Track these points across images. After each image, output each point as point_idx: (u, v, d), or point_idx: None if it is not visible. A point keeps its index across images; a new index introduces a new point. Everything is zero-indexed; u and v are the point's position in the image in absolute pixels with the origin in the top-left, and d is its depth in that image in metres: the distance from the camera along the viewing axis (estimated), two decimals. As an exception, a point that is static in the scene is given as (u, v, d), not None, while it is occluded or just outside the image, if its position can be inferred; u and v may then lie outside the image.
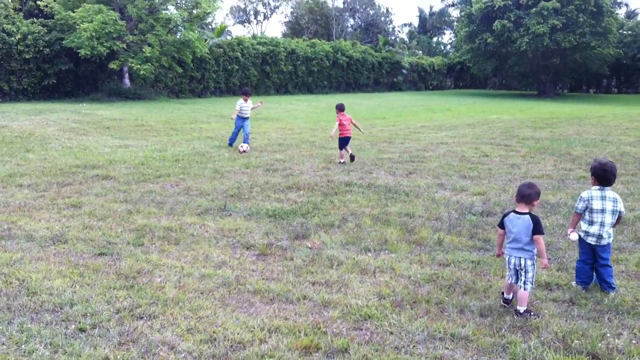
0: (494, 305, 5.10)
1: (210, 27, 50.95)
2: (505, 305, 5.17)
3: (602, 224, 5.52)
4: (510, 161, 13.37)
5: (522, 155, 14.30)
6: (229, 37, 45.18)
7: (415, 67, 59.17)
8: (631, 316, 4.93)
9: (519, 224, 5.12)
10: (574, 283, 5.66)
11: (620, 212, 5.58)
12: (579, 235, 5.67)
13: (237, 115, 15.51)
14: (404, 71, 56.21)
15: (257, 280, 5.68)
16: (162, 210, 8.49)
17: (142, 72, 30.76)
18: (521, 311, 4.97)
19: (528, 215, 5.12)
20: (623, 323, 4.80)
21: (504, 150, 15.21)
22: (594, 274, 5.66)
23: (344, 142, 13.24)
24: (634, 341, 4.47)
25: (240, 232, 7.36)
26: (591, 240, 5.56)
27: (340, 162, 12.93)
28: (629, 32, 60.78)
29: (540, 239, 5.06)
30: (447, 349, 4.34)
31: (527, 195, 5.16)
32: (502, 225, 5.32)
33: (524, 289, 5.04)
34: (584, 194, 5.64)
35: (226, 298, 5.26)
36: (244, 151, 14.22)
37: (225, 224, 7.75)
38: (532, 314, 4.98)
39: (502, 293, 5.31)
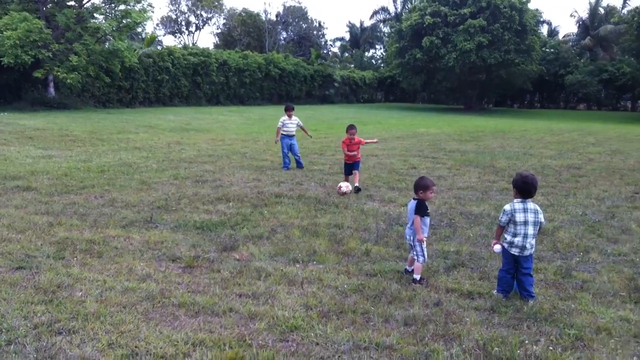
0: (418, 314, 5.17)
1: (140, 37, 50.18)
2: (407, 273, 6.30)
3: (525, 236, 5.68)
4: (437, 173, 13.67)
5: (449, 167, 14.65)
6: (159, 47, 44.59)
7: (346, 80, 59.93)
8: (548, 323, 5.09)
9: (410, 207, 6.31)
10: (495, 292, 5.80)
11: (541, 222, 5.78)
12: (503, 246, 5.83)
13: (282, 134, 14.11)
14: (335, 84, 56.84)
15: (182, 293, 5.57)
16: (85, 222, 8.24)
17: (68, 81, 29.97)
18: (416, 279, 6.09)
19: (416, 201, 6.20)
20: (541, 330, 4.95)
21: (431, 162, 15.55)
22: (515, 282, 5.82)
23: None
24: (550, 347, 4.61)
25: (166, 245, 7.22)
26: (515, 251, 5.72)
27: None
28: (551, 49, 63.49)
29: (416, 217, 6.15)
30: (372, 358, 4.37)
31: (414, 186, 6.38)
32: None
33: (418, 261, 6.16)
34: (507, 207, 5.79)
35: (150, 312, 5.13)
36: (345, 193, 10.68)
37: (150, 236, 7.59)
38: (423, 281, 6.08)
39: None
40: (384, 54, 76.21)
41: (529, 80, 55.21)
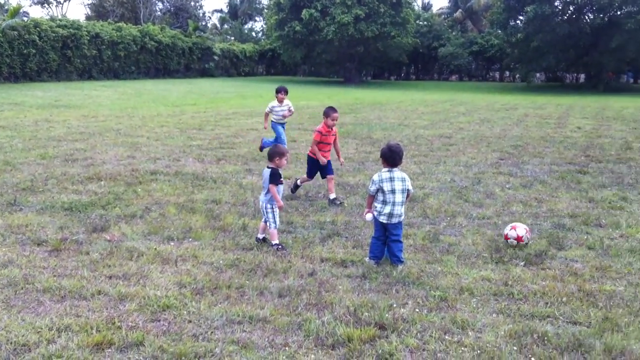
0: (292, 285, 5.24)
1: (3, 8, 46.83)
2: (258, 242, 6.51)
3: (393, 204, 5.87)
4: (316, 145, 13.79)
5: (327, 139, 14.82)
6: (24, 19, 41.76)
7: (226, 53, 58.99)
8: (416, 286, 5.32)
9: (265, 175, 6.49)
10: (367, 259, 5.98)
11: (409, 190, 5.99)
12: (373, 214, 6.01)
13: (272, 121, 12.11)
14: (215, 57, 55.80)
15: (47, 277, 5.31)
16: (-61, 208, 7.65)
17: None
18: (273, 243, 6.35)
19: (270, 170, 6.43)
20: (409, 293, 5.17)
21: (311, 135, 15.64)
22: (386, 249, 6.03)
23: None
24: (417, 309, 4.82)
25: (31, 228, 6.84)
26: (383, 218, 5.91)
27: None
28: (425, 22, 65.61)
29: (272, 187, 6.37)
30: (245, 331, 4.38)
31: (268, 154, 6.61)
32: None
33: (270, 227, 6.42)
34: (375, 177, 5.97)
35: (11, 299, 4.86)
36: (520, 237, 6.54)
37: (14, 219, 7.16)
38: (281, 247, 6.29)
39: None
40: (264, 26, 75.70)
41: (405, 53, 56.81)
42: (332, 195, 8.48)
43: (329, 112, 8.47)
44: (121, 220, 7.26)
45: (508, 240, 6.52)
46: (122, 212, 7.62)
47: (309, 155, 8.78)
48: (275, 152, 6.52)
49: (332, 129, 8.58)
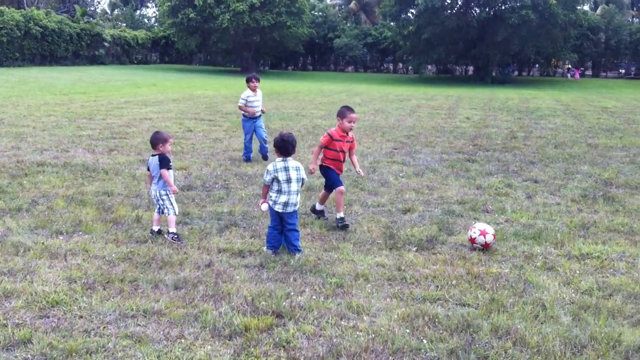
0: (188, 276, 5.16)
1: None
2: (152, 234, 6.36)
3: (288, 193, 5.91)
4: (213, 135, 13.68)
5: (225, 129, 14.71)
6: None
7: (118, 40, 57.13)
8: (313, 274, 5.39)
9: (152, 163, 6.35)
10: (264, 248, 6.00)
11: (303, 179, 6.05)
12: (269, 204, 6.02)
13: (243, 117, 11.23)
14: (105, 44, 53.87)
15: None
16: None
17: None
18: (170, 231, 6.24)
19: (157, 156, 6.31)
20: (306, 281, 5.23)
21: (208, 125, 15.51)
22: (283, 238, 6.06)
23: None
24: (314, 297, 4.89)
25: None
26: (279, 208, 5.93)
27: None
28: (320, 13, 66.26)
29: (164, 171, 6.26)
30: (139, 325, 4.28)
31: (151, 142, 6.47)
32: (149, 168, 6.49)
33: (168, 214, 6.31)
34: (270, 167, 5.99)
35: None
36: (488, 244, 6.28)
37: None
38: (177, 237, 6.20)
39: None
40: (156, 12, 73.76)
41: (301, 43, 57.18)
42: (340, 214, 6.88)
43: (345, 112, 6.90)
44: (6, 214, 6.89)
45: (474, 244, 6.28)
46: (6, 206, 7.22)
47: (321, 166, 7.12)
48: (157, 138, 6.39)
49: (347, 134, 7.02)
